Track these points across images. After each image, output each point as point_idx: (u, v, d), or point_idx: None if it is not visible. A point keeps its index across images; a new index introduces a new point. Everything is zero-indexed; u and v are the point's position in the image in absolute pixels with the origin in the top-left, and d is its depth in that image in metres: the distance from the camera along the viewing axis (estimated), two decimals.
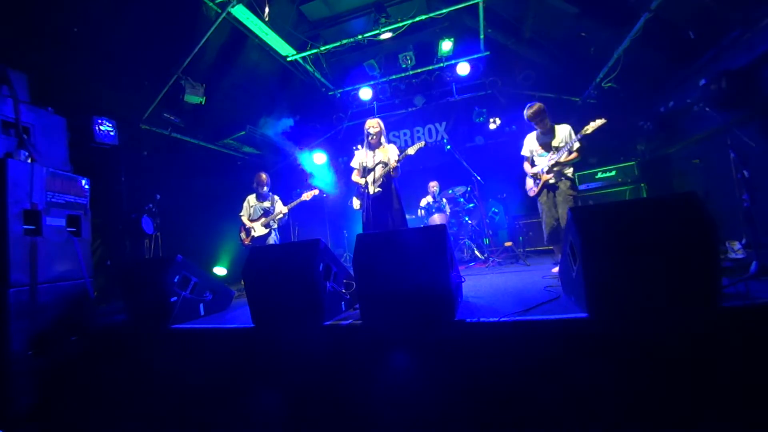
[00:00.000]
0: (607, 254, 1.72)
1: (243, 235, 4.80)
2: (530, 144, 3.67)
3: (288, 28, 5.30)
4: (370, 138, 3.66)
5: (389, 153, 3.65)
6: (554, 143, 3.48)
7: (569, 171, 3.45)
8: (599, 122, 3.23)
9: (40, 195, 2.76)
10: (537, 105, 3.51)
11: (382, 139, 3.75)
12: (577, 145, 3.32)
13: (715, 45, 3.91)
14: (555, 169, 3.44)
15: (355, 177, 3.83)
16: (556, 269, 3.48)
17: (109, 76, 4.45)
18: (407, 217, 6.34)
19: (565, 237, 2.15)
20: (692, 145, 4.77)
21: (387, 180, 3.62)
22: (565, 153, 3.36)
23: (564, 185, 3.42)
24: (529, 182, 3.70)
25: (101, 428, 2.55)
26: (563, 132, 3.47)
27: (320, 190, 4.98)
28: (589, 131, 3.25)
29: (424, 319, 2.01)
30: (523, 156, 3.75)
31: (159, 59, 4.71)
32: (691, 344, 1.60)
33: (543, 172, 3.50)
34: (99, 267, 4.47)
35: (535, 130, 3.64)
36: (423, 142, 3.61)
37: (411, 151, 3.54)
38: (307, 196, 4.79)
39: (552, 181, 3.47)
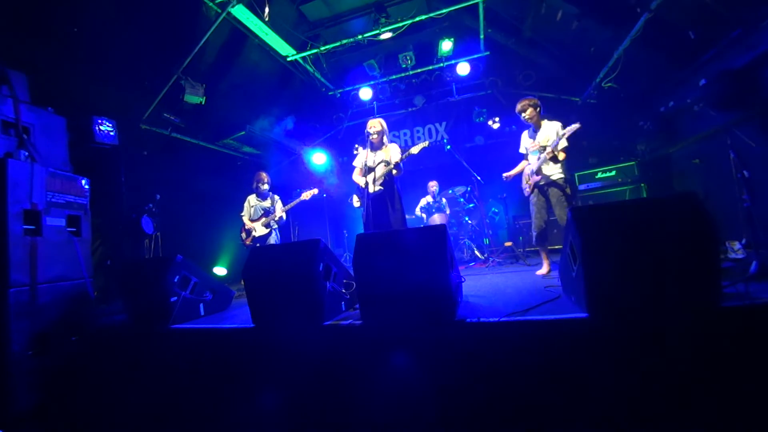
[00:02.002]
0: (607, 254, 1.72)
1: (243, 235, 4.79)
2: (524, 141, 3.65)
3: (288, 28, 5.30)
4: (371, 138, 3.66)
5: (391, 152, 3.64)
6: (542, 142, 3.38)
7: (557, 170, 3.31)
8: (574, 127, 3.13)
9: (40, 195, 2.76)
10: (525, 100, 3.46)
11: (385, 139, 3.74)
12: (563, 144, 3.21)
13: (715, 45, 3.91)
14: (544, 171, 3.35)
15: (356, 176, 3.82)
16: (539, 271, 3.46)
17: (109, 76, 4.45)
18: (408, 216, 6.36)
19: (565, 237, 2.15)
20: (692, 145, 4.77)
21: (389, 179, 3.61)
22: (549, 153, 3.24)
23: (555, 186, 3.30)
24: (523, 180, 3.64)
25: (101, 428, 2.55)
26: (548, 130, 3.37)
27: (320, 190, 4.98)
28: (568, 133, 3.16)
29: (424, 319, 2.01)
30: (521, 154, 3.72)
31: (159, 59, 4.71)
32: (691, 344, 1.60)
33: (533, 173, 3.42)
34: (99, 267, 4.47)
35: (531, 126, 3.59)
36: (426, 142, 3.59)
37: (414, 150, 3.52)
38: (306, 195, 4.77)
39: (543, 182, 3.37)
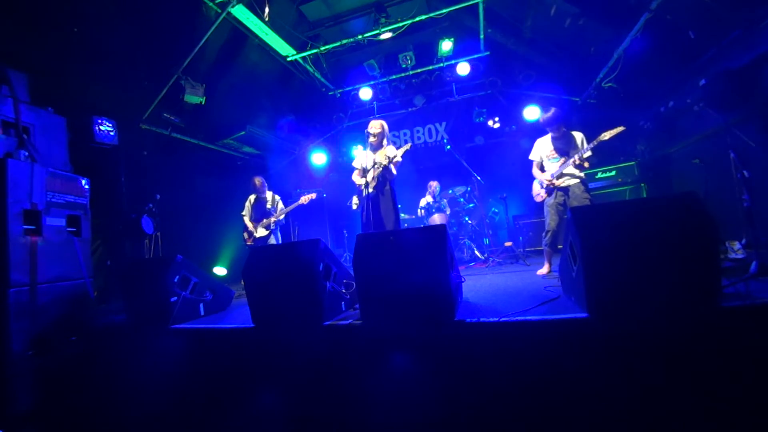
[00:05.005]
0: (607, 254, 1.72)
1: (245, 235, 4.88)
2: (542, 149, 3.59)
3: (288, 28, 5.30)
4: (370, 138, 3.66)
5: (387, 153, 3.66)
6: (570, 150, 3.41)
7: (581, 173, 3.38)
8: (617, 130, 3.11)
9: (40, 195, 2.76)
10: (553, 110, 3.44)
11: (384, 141, 3.75)
12: (588, 153, 3.26)
13: (715, 45, 3.91)
14: (565, 174, 3.39)
15: (355, 177, 3.84)
16: (540, 271, 3.51)
17: (109, 76, 4.45)
18: (408, 217, 6.36)
19: (565, 237, 2.15)
20: (692, 145, 4.77)
21: (382, 180, 3.63)
22: (576, 161, 3.29)
23: (578, 189, 3.33)
24: (536, 187, 3.62)
25: (101, 428, 2.55)
26: (578, 138, 3.41)
27: (320, 191, 5.01)
28: (605, 138, 3.14)
29: (424, 319, 2.01)
30: (531, 160, 3.69)
31: (159, 59, 4.71)
32: (691, 344, 1.60)
33: (554, 178, 3.44)
34: (99, 267, 4.47)
35: (547, 134, 3.57)
36: (409, 144, 3.61)
37: (399, 152, 3.56)
38: (304, 200, 4.82)
39: (564, 184, 3.40)
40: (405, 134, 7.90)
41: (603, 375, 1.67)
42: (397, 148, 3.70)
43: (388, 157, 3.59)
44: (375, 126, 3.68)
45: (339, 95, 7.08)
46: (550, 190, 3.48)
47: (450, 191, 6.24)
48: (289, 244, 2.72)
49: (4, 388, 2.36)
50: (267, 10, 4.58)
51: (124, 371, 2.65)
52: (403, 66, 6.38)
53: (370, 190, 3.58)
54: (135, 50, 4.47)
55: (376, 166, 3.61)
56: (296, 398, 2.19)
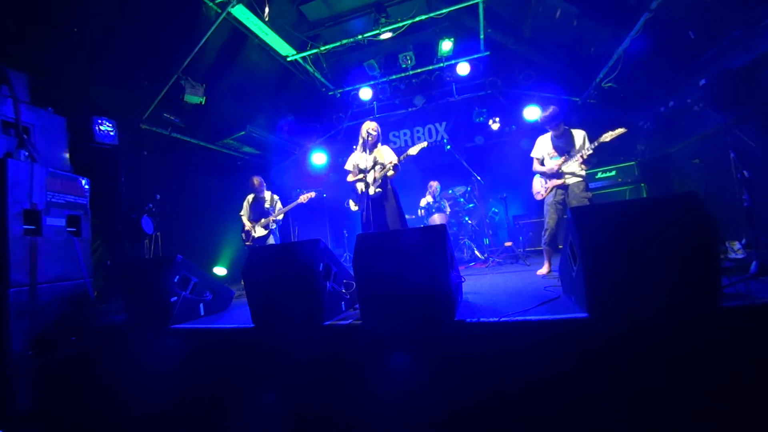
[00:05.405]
0: (607, 254, 1.72)
1: (244, 236, 4.85)
2: (543, 146, 3.57)
3: (288, 28, 5.30)
4: (369, 139, 3.65)
5: (384, 154, 3.65)
6: (570, 149, 3.41)
7: (582, 172, 3.37)
8: (619, 131, 3.10)
9: (40, 195, 2.76)
10: (552, 108, 3.43)
11: (379, 143, 3.75)
12: (589, 151, 3.24)
13: (715, 45, 3.91)
14: (566, 173, 3.39)
15: (351, 179, 3.82)
16: (540, 271, 3.51)
17: (109, 76, 4.45)
18: (408, 217, 6.34)
19: (566, 237, 2.15)
20: (692, 145, 4.77)
21: (384, 181, 3.62)
22: (578, 159, 3.29)
23: (577, 188, 3.33)
24: (537, 185, 3.62)
25: (101, 428, 2.55)
26: (579, 137, 3.39)
27: (320, 190, 5.01)
28: (607, 140, 3.13)
29: (423, 319, 2.01)
30: (532, 157, 3.68)
31: (159, 59, 4.71)
32: (691, 344, 1.60)
33: (554, 176, 3.44)
34: (99, 267, 4.47)
35: (548, 132, 3.56)
36: (425, 143, 3.57)
37: (413, 151, 3.50)
38: (303, 198, 4.81)
39: (562, 182, 3.39)
40: (405, 134, 7.90)
41: (603, 375, 1.67)
42: (395, 149, 3.69)
43: (398, 155, 3.56)
44: (373, 127, 3.67)
45: (339, 95, 7.08)
46: (552, 187, 3.47)
47: (450, 191, 6.24)
48: (289, 244, 2.72)
49: (4, 388, 2.36)
50: (267, 10, 4.58)
51: (124, 371, 2.65)
52: (403, 66, 6.38)
53: (371, 191, 3.57)
54: (135, 50, 4.47)
55: (378, 167, 3.60)
56: (296, 398, 2.19)
